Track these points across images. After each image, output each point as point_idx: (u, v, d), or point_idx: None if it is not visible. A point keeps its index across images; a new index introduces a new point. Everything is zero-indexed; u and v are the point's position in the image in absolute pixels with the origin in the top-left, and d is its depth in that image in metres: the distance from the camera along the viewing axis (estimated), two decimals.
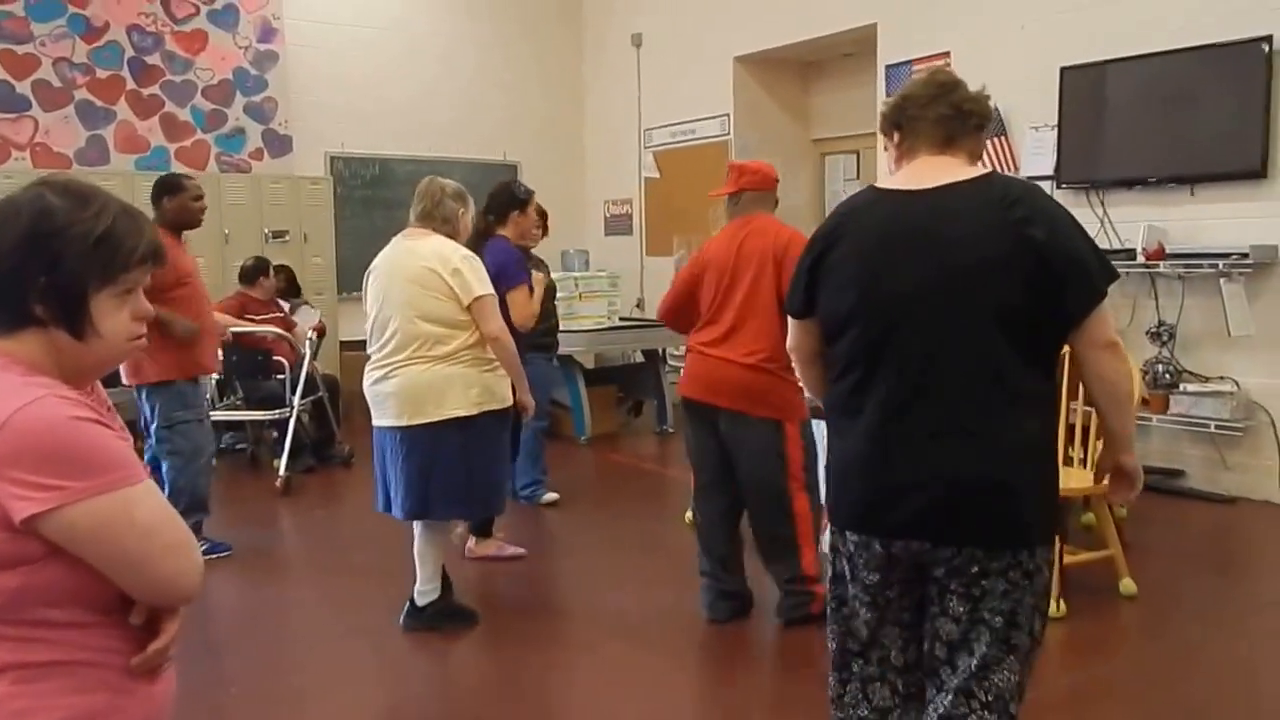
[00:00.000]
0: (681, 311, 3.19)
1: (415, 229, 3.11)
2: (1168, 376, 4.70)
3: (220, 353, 5.51)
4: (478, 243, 3.79)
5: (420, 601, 3.17)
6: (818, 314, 1.75)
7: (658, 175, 7.87)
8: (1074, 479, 3.29)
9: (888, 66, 6.10)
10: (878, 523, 1.66)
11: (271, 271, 5.93)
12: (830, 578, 1.79)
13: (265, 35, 7.27)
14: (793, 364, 1.89)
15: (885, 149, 1.80)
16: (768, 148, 7.28)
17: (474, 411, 2.99)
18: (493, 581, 3.74)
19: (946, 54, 5.73)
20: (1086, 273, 1.57)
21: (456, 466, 2.99)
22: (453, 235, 3.10)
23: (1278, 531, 4.25)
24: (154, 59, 6.96)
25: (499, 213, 3.91)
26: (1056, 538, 1.66)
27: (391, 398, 3.02)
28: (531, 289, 3.84)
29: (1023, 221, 1.56)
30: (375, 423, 3.13)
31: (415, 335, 2.98)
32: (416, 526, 3.16)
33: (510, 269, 3.72)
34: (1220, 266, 4.46)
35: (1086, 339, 1.60)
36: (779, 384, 2.97)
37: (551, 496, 4.79)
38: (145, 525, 1.07)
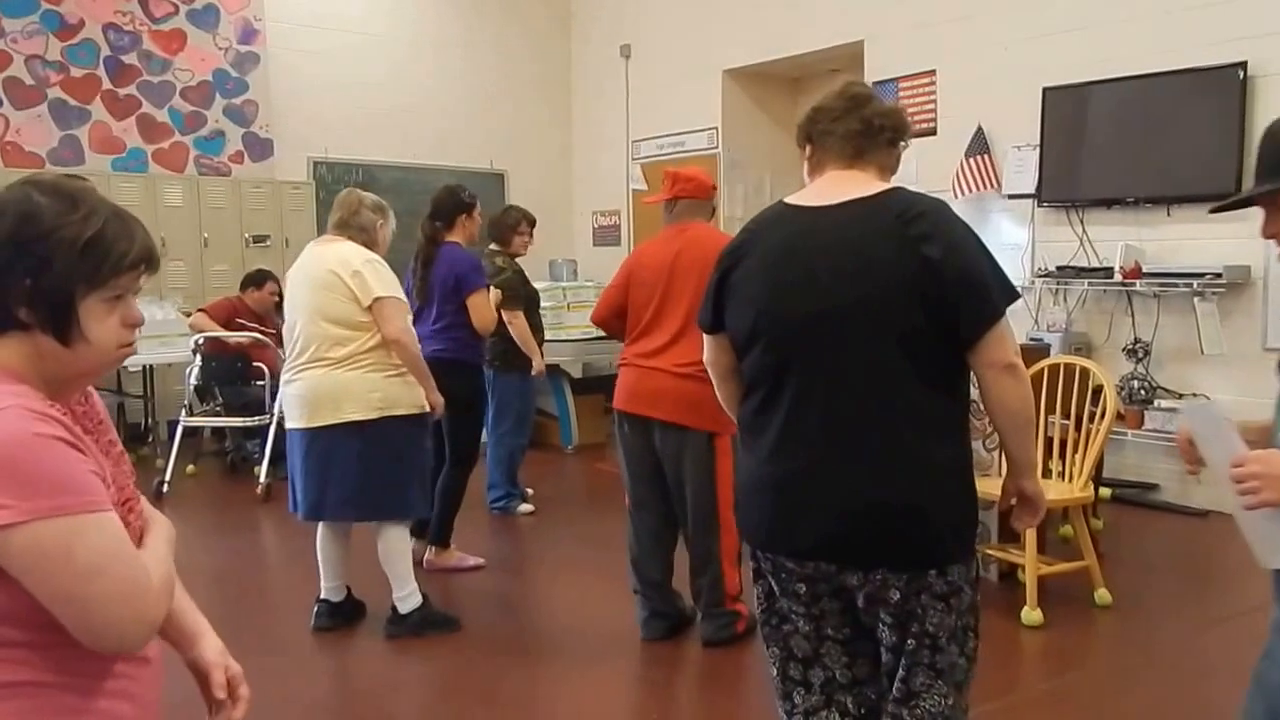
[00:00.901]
0: (615, 317, 3.21)
1: (328, 236, 3.23)
2: (1143, 392, 4.94)
3: (199, 359, 5.62)
4: (429, 250, 3.90)
5: (403, 609, 3.27)
6: (726, 330, 1.75)
7: (645, 187, 8.05)
8: (1053, 491, 3.48)
9: (875, 83, 6.32)
10: (783, 543, 1.66)
11: (274, 286, 5.92)
12: (762, 595, 1.78)
13: (246, 36, 7.31)
14: (712, 378, 1.88)
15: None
16: (755, 162, 7.50)
17: (373, 415, 3.06)
18: (455, 593, 3.82)
19: (932, 72, 5.97)
20: (981, 292, 1.57)
21: (351, 469, 3.07)
22: (370, 245, 3.18)
23: (1247, 544, 4.48)
24: (131, 58, 6.94)
25: (446, 218, 3.94)
26: (973, 557, 1.68)
27: (296, 399, 3.14)
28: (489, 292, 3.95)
29: (919, 239, 1.56)
30: (286, 425, 3.28)
31: (315, 336, 3.08)
32: (319, 527, 3.29)
33: (468, 275, 3.82)
34: (1195, 286, 4.71)
35: (983, 360, 1.59)
36: (711, 395, 3.00)
37: (526, 508, 4.92)
38: (85, 564, 0.99)
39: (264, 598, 3.93)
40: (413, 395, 3.16)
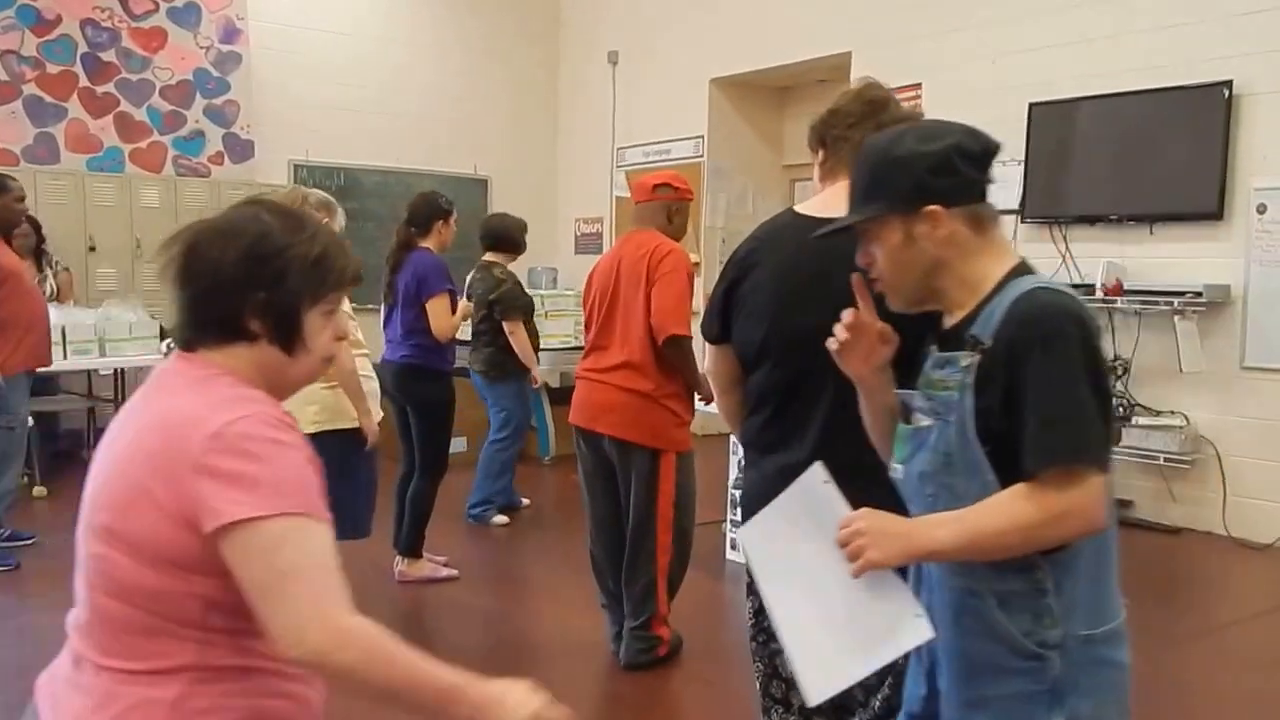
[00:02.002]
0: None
1: None
2: (1121, 409, 5.04)
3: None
4: (400, 255, 3.97)
5: None
6: (733, 341, 1.73)
7: (629, 195, 8.13)
8: None
9: None
10: None
11: None
12: (752, 611, 1.76)
13: (228, 36, 7.33)
14: (712, 387, 1.85)
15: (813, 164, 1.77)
16: (740, 171, 7.59)
17: (310, 430, 2.94)
18: (427, 604, 3.85)
19: (918, 85, 6.08)
20: None
21: None
22: None
23: (1220, 562, 4.58)
24: (109, 55, 6.94)
25: (422, 224, 4.00)
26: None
27: None
28: (455, 301, 3.99)
29: None
30: None
31: None
32: None
33: (430, 278, 3.87)
34: (1175, 304, 4.82)
35: None
36: (660, 412, 2.98)
37: (501, 519, 4.97)
38: (288, 562, 1.07)
39: None
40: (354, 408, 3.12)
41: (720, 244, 7.44)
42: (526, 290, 5.14)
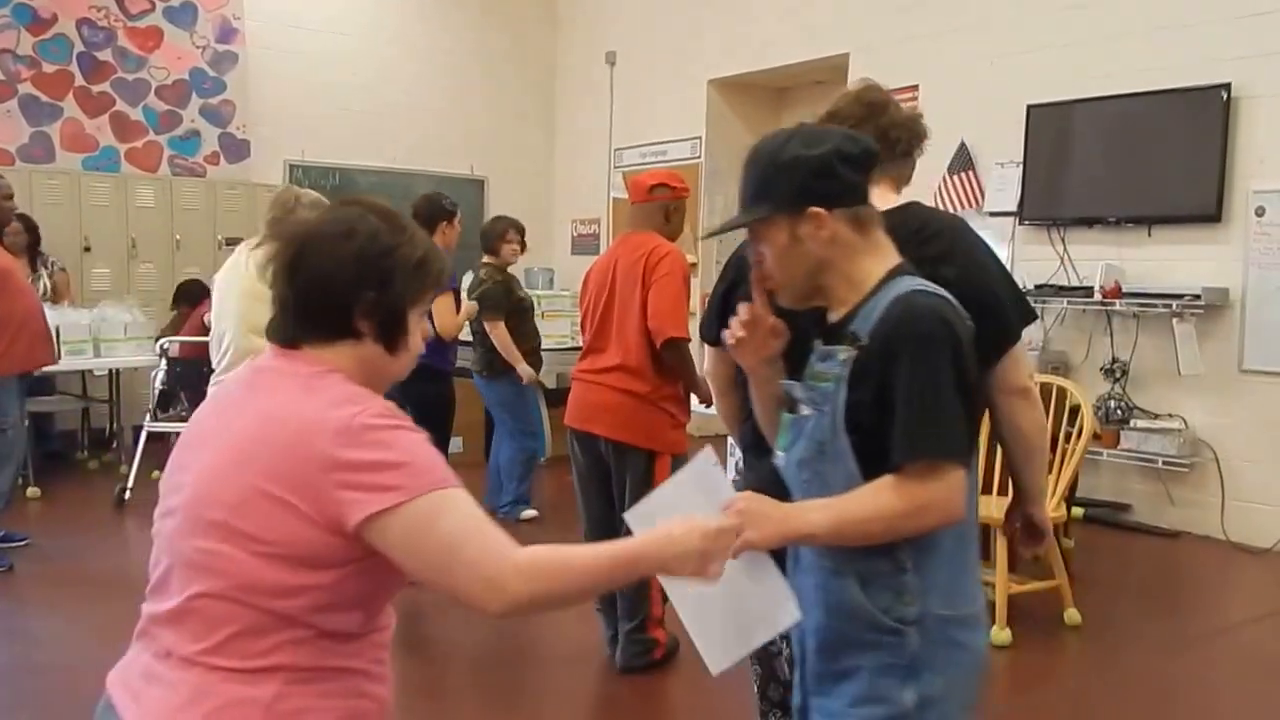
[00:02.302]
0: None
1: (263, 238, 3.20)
2: (1119, 412, 5.04)
3: (164, 363, 5.62)
4: None
5: None
6: None
7: (627, 196, 8.13)
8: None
9: None
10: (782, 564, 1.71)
11: None
12: None
13: (224, 35, 7.32)
14: (710, 392, 1.86)
15: None
16: (737, 172, 7.54)
17: None
18: (421, 603, 3.76)
19: (915, 87, 6.08)
20: (998, 315, 1.56)
21: None
22: None
23: (1218, 566, 4.58)
24: (105, 55, 6.93)
25: (425, 225, 3.98)
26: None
27: None
28: (459, 301, 4.01)
29: (935, 260, 1.54)
30: None
31: (248, 351, 2.93)
32: None
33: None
34: (1174, 307, 4.81)
35: (998, 384, 1.59)
36: (655, 413, 3.01)
37: (531, 513, 5.04)
38: (448, 535, 1.11)
39: None
40: None
41: (718, 244, 7.44)
42: (522, 290, 5.14)
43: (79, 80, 6.89)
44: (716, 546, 1.23)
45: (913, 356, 1.26)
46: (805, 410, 1.37)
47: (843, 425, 1.30)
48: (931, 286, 1.35)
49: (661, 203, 3.13)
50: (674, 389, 3.06)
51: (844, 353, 1.32)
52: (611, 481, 3.12)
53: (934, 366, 1.25)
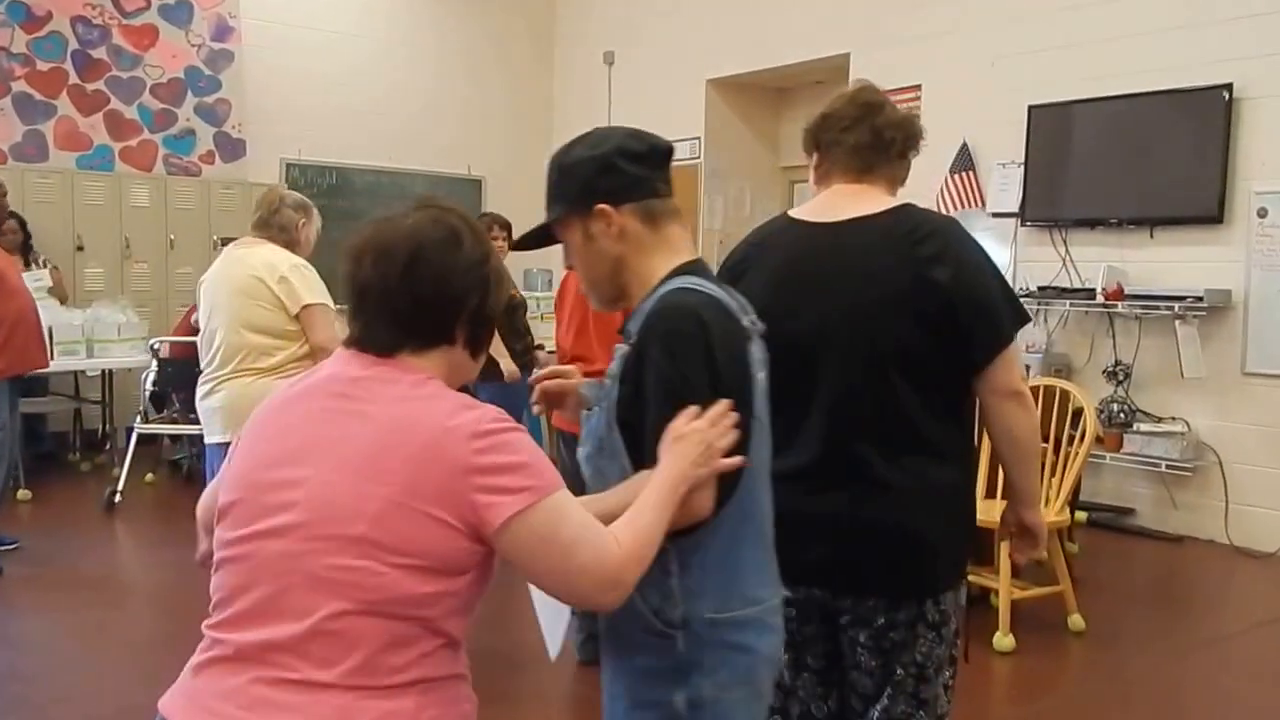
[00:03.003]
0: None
1: (248, 238, 3.12)
2: (1122, 415, 4.99)
3: (155, 364, 5.55)
4: None
5: None
6: None
7: None
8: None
9: None
10: (782, 565, 1.61)
11: None
12: None
13: (220, 34, 7.27)
14: None
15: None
16: (737, 173, 7.55)
17: None
18: None
19: (917, 87, 6.03)
20: (991, 317, 1.56)
21: None
22: (290, 245, 3.08)
23: (1222, 571, 4.54)
24: (100, 53, 6.88)
25: None
26: (964, 580, 1.69)
27: (218, 412, 3.00)
28: None
29: (927, 261, 1.55)
30: (205, 440, 3.11)
31: (241, 347, 2.97)
32: None
33: None
34: (1176, 309, 4.77)
35: (990, 386, 1.58)
36: None
37: None
38: (568, 538, 1.13)
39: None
40: None
41: (718, 245, 7.38)
42: (512, 287, 5.07)
43: (73, 78, 6.83)
44: (715, 433, 1.25)
45: (660, 354, 1.28)
46: (593, 408, 1.41)
47: (614, 421, 1.33)
48: (706, 285, 1.35)
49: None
50: None
51: (620, 350, 1.36)
52: None
53: (680, 365, 1.27)
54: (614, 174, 1.37)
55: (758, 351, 1.38)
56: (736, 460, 1.26)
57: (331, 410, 1.18)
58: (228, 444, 3.10)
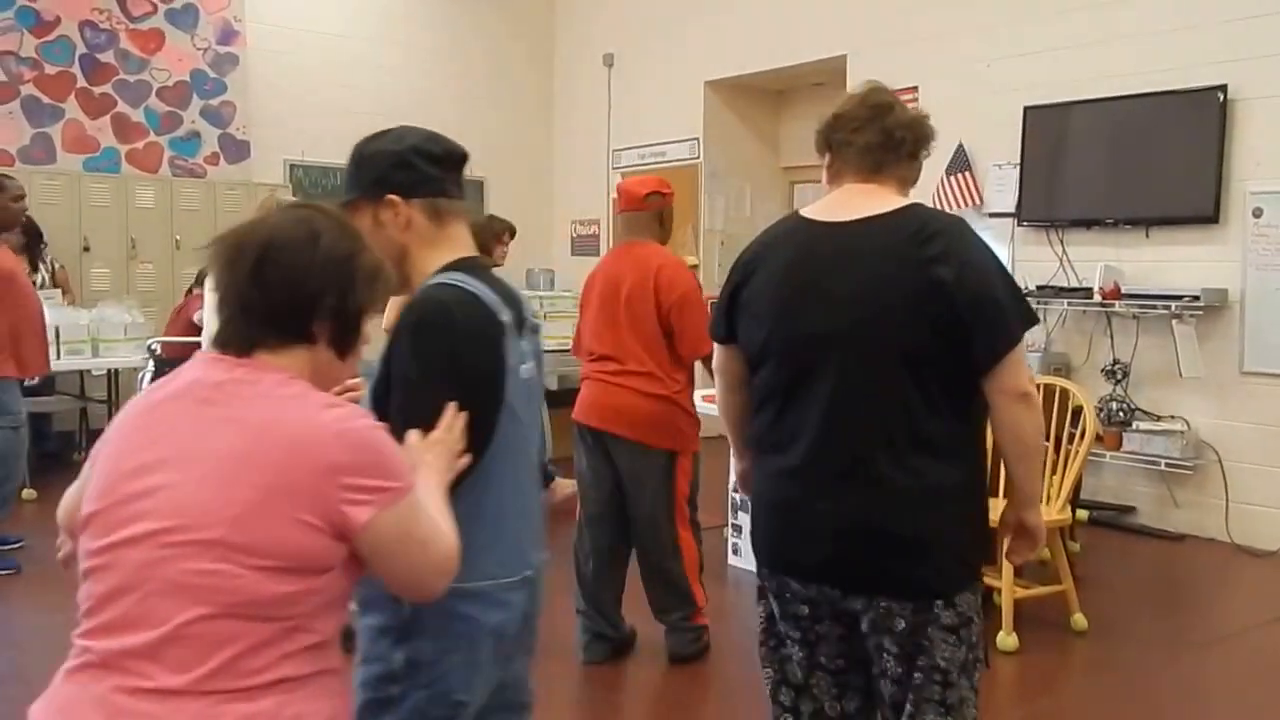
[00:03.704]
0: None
1: None
2: (1121, 414, 4.92)
3: (152, 364, 5.48)
4: None
5: None
6: (738, 342, 1.74)
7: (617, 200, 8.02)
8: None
9: None
10: (788, 564, 1.65)
11: None
12: (763, 615, 1.76)
13: (225, 37, 7.22)
14: (716, 386, 1.86)
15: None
16: (737, 174, 7.48)
17: None
18: None
19: (914, 88, 5.96)
20: (997, 317, 1.53)
21: None
22: None
23: (1223, 569, 4.46)
24: (107, 57, 6.85)
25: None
26: (979, 583, 1.66)
27: None
28: None
29: (932, 261, 1.53)
30: None
31: None
32: None
33: None
34: (1173, 308, 4.70)
35: (996, 386, 1.55)
36: (678, 414, 3.02)
37: None
38: (422, 534, 1.17)
39: None
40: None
41: (719, 246, 7.32)
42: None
43: (81, 82, 6.80)
44: (452, 439, 1.31)
45: (406, 342, 1.35)
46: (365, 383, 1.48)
47: (370, 403, 1.39)
48: (467, 281, 1.41)
49: (656, 210, 3.13)
50: (689, 389, 3.09)
51: (389, 337, 1.42)
52: (617, 479, 3.08)
53: (421, 353, 1.32)
54: (407, 169, 1.44)
55: (524, 345, 1.46)
56: (464, 460, 1.33)
57: (194, 416, 1.15)
58: None
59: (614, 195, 8.44)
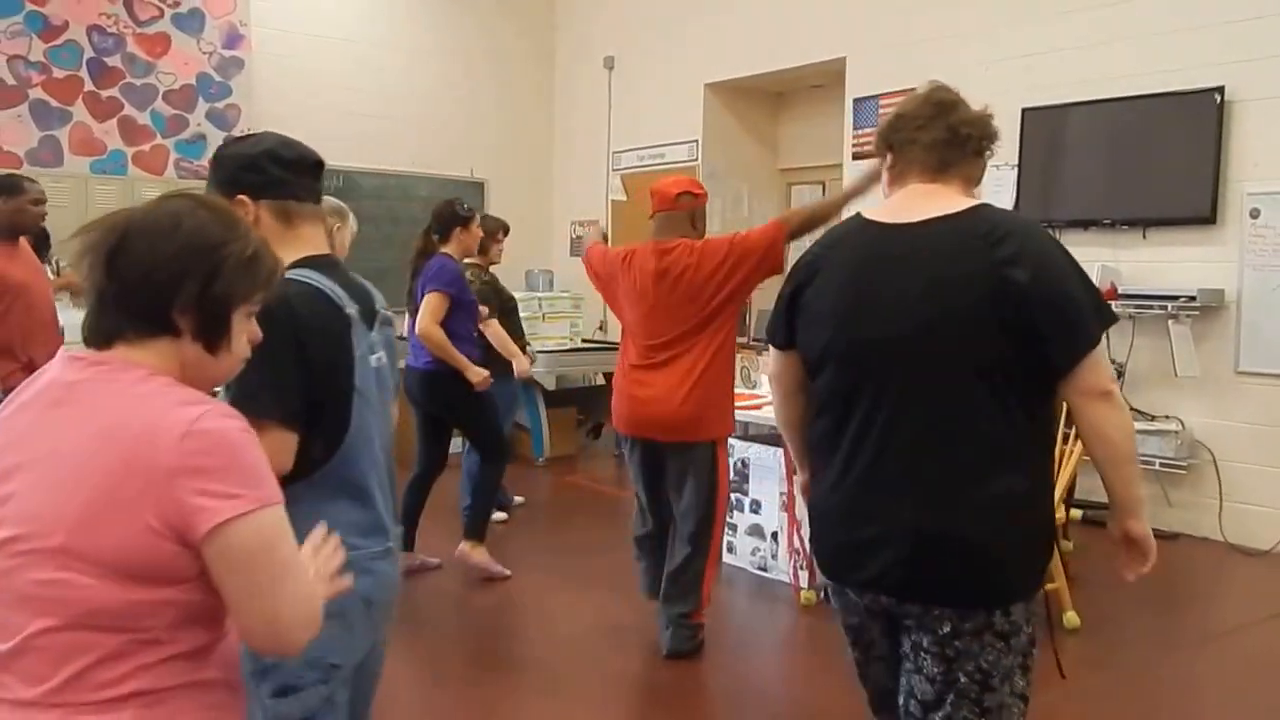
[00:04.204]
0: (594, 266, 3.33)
1: None
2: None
3: None
4: (419, 261, 3.98)
5: None
6: (798, 348, 1.70)
7: (625, 198, 7.98)
8: None
9: (855, 100, 6.28)
10: (846, 572, 1.63)
11: None
12: (838, 618, 1.76)
13: (231, 41, 7.20)
14: (773, 394, 1.82)
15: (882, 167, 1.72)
16: (735, 175, 7.44)
17: None
18: (412, 597, 3.74)
19: (913, 89, 5.91)
20: (1075, 318, 1.48)
21: None
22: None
23: (1217, 567, 4.42)
24: (114, 60, 6.83)
25: (442, 231, 4.06)
26: (1039, 591, 1.60)
27: None
28: (469, 307, 3.97)
29: (1005, 262, 1.47)
30: None
31: None
32: None
33: (432, 277, 3.86)
34: (1169, 308, 4.65)
35: (1077, 388, 1.49)
36: (714, 405, 3.03)
37: (499, 516, 4.82)
38: (284, 558, 1.07)
39: None
40: None
41: None
42: (505, 290, 4.96)
43: (88, 85, 6.78)
44: (321, 560, 1.22)
45: (261, 326, 1.37)
46: None
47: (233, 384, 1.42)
48: (313, 277, 1.48)
49: (688, 210, 3.12)
50: (729, 370, 3.12)
51: None
52: (667, 473, 3.13)
53: (268, 336, 1.31)
54: (257, 172, 1.50)
55: (374, 336, 1.53)
56: (344, 585, 1.24)
57: (47, 420, 1.09)
58: None
59: (613, 200, 8.42)
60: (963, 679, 1.54)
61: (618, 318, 3.31)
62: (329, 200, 3.18)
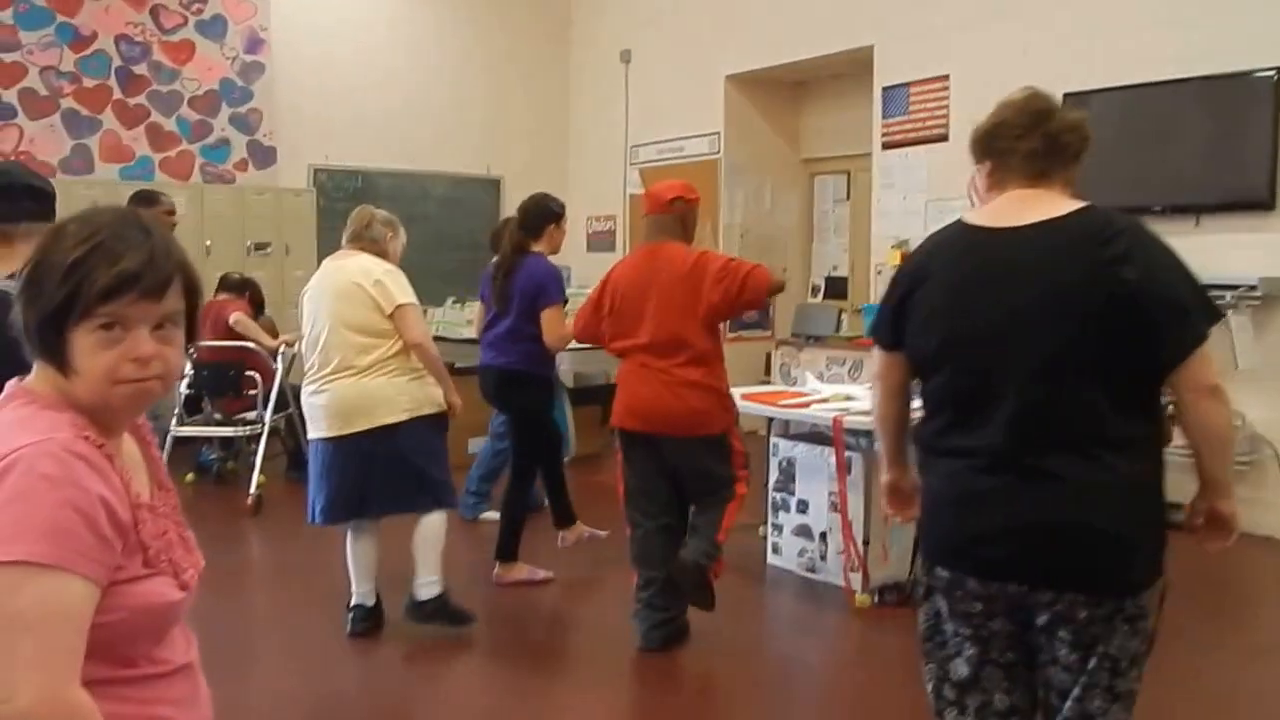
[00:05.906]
0: (593, 333, 3.19)
1: (345, 250, 3.24)
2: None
3: (190, 368, 5.17)
4: (514, 259, 3.65)
5: (422, 596, 3.18)
6: (905, 350, 1.69)
7: (644, 199, 7.61)
8: None
9: (885, 88, 5.82)
10: (970, 561, 1.58)
11: (248, 295, 5.49)
12: (931, 614, 1.67)
13: (252, 46, 6.98)
14: (874, 393, 1.80)
15: (976, 174, 1.67)
16: (757, 167, 7.01)
17: (404, 418, 3.06)
18: (510, 605, 3.53)
19: (945, 77, 5.47)
20: (1183, 315, 1.47)
21: (395, 467, 3.05)
22: (381, 256, 3.19)
23: (1278, 569, 3.96)
24: (141, 69, 6.68)
25: (534, 228, 3.69)
26: (1161, 580, 1.57)
27: (323, 410, 3.09)
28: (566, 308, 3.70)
29: (1115, 261, 1.46)
30: (310, 435, 3.21)
31: (340, 346, 3.07)
32: (349, 535, 3.19)
33: (548, 287, 3.59)
34: (1228, 298, 4.18)
35: (1186, 383, 1.49)
36: (718, 399, 2.98)
37: (491, 515, 4.42)
38: (14, 613, 0.88)
39: (263, 613, 3.48)
40: (436, 395, 3.17)
41: (739, 240, 6.87)
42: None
43: (117, 94, 6.65)
44: None
45: None
46: None
47: None
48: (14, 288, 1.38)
49: (679, 214, 3.08)
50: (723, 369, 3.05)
51: None
52: (676, 469, 3.03)
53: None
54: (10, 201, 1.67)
55: None
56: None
57: None
58: (329, 438, 3.12)
59: (631, 195, 8.01)
60: (1094, 664, 1.54)
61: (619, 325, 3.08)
62: (380, 212, 3.27)
